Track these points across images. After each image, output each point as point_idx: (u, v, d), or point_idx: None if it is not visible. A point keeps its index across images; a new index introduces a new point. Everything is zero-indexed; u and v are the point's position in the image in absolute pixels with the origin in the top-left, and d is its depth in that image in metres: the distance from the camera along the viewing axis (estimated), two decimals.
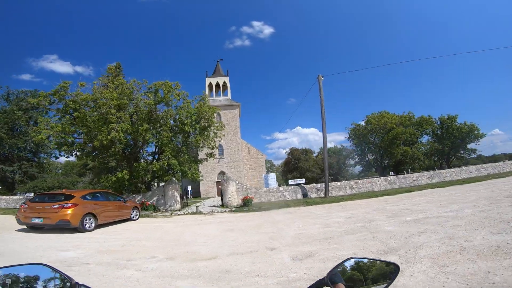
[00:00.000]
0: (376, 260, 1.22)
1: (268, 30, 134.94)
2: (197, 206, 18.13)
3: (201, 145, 20.56)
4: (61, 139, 17.16)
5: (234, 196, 20.02)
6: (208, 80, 49.86)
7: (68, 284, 1.06)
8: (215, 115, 23.23)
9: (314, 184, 22.34)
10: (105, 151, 19.29)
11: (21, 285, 1.06)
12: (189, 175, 18.89)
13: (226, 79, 50.96)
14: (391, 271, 1.13)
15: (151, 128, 19.13)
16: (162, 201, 20.35)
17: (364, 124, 47.35)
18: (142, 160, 22.18)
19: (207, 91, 48.21)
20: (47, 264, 1.14)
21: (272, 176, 24.10)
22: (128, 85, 18.95)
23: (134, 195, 21.14)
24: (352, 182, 23.54)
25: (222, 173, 42.64)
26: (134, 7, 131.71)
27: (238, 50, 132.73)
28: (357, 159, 48.71)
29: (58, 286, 1.08)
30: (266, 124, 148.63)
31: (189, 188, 43.75)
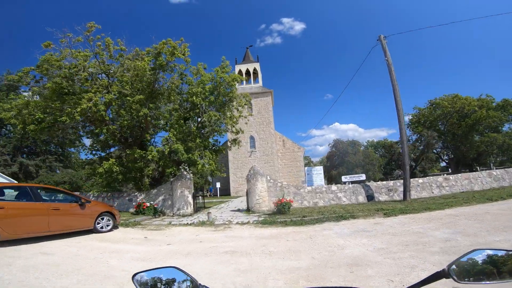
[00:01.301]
0: (509, 250, 1.03)
1: (299, 26, 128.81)
2: (208, 213, 12.31)
3: (215, 124, 14.74)
4: (26, 116, 12.58)
5: (264, 197, 13.83)
6: (237, 68, 44.28)
7: (194, 285, 1.17)
8: (238, 88, 17.20)
9: (384, 182, 15.15)
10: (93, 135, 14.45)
11: (162, 286, 1.20)
12: (200, 165, 13.17)
13: (257, 65, 45.00)
14: None
15: (148, 102, 13.75)
16: (170, 202, 15.00)
17: (428, 109, 37.74)
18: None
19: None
20: (178, 267, 1.23)
21: (318, 170, 17.40)
22: (114, 48, 13.83)
23: (136, 193, 16.14)
24: (440, 178, 15.80)
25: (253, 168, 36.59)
26: (166, 9, 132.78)
27: (270, 48, 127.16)
28: (420, 152, 39.17)
29: (188, 287, 1.19)
30: (301, 121, 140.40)
31: (217, 185, 38.82)
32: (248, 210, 14.13)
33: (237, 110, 16.52)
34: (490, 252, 1.05)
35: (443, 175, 25.21)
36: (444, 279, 0.99)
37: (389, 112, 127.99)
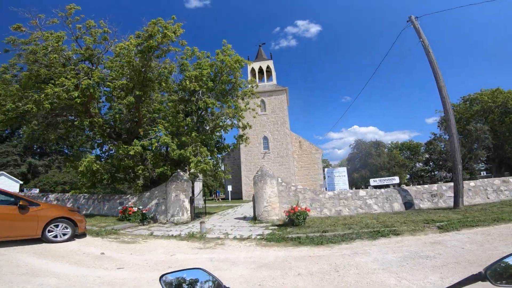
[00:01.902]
0: None
1: (314, 28, 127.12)
2: (201, 223, 9.91)
3: (217, 118, 12.38)
4: None
5: (273, 204, 11.23)
6: (249, 66, 41.91)
7: (218, 287, 1.21)
8: (243, 76, 14.76)
9: (426, 186, 12.03)
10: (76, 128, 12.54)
11: (186, 286, 1.25)
12: (193, 163, 10.79)
13: (270, 63, 42.50)
14: None
15: (136, 89, 11.60)
16: (163, 208, 12.78)
17: (464, 105, 33.40)
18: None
19: (249, 78, 40.57)
20: (203, 268, 1.27)
21: (341, 172, 14.44)
22: (98, 32, 11.84)
23: (128, 196, 14.10)
24: (496, 181, 12.49)
25: None
26: (182, 13, 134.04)
27: (285, 51, 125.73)
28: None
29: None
30: (318, 124, 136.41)
31: (229, 188, 36.51)
32: (254, 219, 11.58)
33: (242, 99, 14.06)
34: None
35: (492, 177, 21.39)
36: (480, 282, 0.96)
37: (410, 114, 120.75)
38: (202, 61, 12.81)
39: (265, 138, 37.26)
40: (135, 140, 11.51)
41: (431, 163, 33.04)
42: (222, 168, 16.70)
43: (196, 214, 13.97)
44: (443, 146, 31.68)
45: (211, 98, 12.40)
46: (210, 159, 12.62)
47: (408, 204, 11.41)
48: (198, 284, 1.23)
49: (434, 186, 11.86)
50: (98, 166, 11.59)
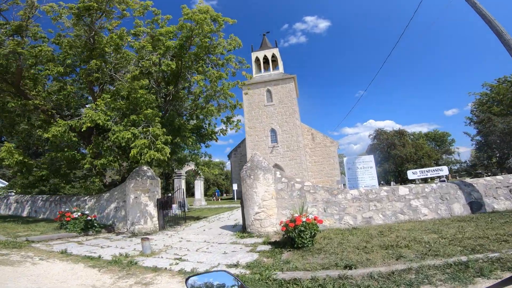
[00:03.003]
0: None
1: (323, 23, 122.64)
2: (143, 240, 6.57)
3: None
4: None
5: (269, 209, 7.65)
6: (254, 55, 38.19)
7: None
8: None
9: (500, 178, 7.99)
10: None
11: None
12: (135, 149, 7.39)
13: (276, 51, 38.40)
14: None
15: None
16: (123, 213, 9.56)
17: (507, 85, 28.00)
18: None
19: (254, 68, 36.99)
20: (227, 271, 1.26)
21: (367, 162, 10.51)
22: None
23: (86, 198, 11.06)
24: None
25: (276, 166, 30.48)
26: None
27: (295, 48, 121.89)
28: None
29: None
30: (331, 119, 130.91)
31: (234, 187, 33.14)
32: (243, 230, 8.05)
33: (218, 64, 10.55)
34: None
35: None
36: None
37: (429, 106, 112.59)
38: (161, 23, 9.48)
39: (273, 131, 33.55)
40: (58, 119, 8.24)
41: (487, 149, 26.63)
42: (212, 160, 13.10)
43: (175, 221, 10.61)
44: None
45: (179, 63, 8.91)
46: (175, 146, 9.14)
47: (476, 205, 7.46)
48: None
49: (511, 178, 7.82)
50: (18, 157, 8.45)
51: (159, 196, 9.39)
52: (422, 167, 30.20)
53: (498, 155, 24.88)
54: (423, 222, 6.97)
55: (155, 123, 8.16)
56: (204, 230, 9.10)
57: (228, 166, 56.09)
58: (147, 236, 6.53)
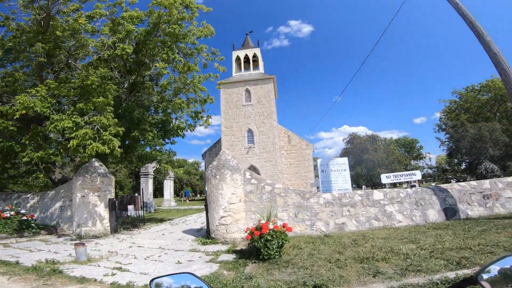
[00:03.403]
0: None
1: (307, 28, 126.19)
2: (77, 246, 5.51)
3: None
4: None
5: (236, 213, 6.87)
6: (235, 54, 37.09)
7: None
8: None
9: (474, 183, 7.83)
10: None
11: None
12: (75, 140, 6.29)
13: (257, 51, 37.62)
14: None
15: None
16: (69, 213, 8.27)
17: (474, 94, 29.41)
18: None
19: (234, 68, 35.94)
20: (193, 273, 1.18)
21: (341, 165, 10.07)
22: None
23: (28, 195, 9.59)
24: None
25: (252, 167, 29.87)
26: None
27: (277, 51, 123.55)
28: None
29: None
30: (308, 123, 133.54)
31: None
32: (207, 236, 7.20)
33: (187, 54, 9.69)
34: None
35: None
36: (472, 286, 0.98)
37: (399, 114, 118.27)
38: (125, 8, 8.46)
39: (250, 131, 32.84)
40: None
41: (458, 155, 27.11)
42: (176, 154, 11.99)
43: (133, 223, 9.47)
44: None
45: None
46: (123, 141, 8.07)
47: (450, 211, 7.22)
48: None
49: (486, 183, 7.70)
50: None
51: (112, 195, 8.26)
52: (393, 171, 31.03)
53: (468, 160, 25.83)
54: (398, 230, 6.56)
55: (107, 113, 7.06)
56: (163, 235, 8.12)
57: (203, 166, 54.55)
58: (83, 242, 5.46)
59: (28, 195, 9.64)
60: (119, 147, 8.49)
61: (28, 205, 9.24)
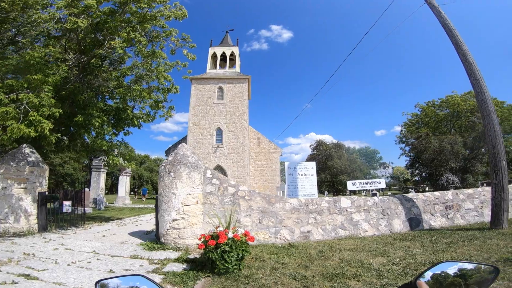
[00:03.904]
0: (473, 263, 1.11)
1: (287, 34, 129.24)
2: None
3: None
4: None
5: (192, 217, 6.00)
6: (211, 50, 35.69)
7: None
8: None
9: (437, 194, 7.84)
10: None
11: None
12: (9, 129, 5.01)
13: (235, 49, 36.66)
14: (490, 273, 1.06)
15: None
16: None
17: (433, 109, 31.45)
18: None
19: (209, 64, 34.59)
20: (145, 275, 1.12)
21: (309, 169, 9.72)
22: None
23: None
24: None
25: (218, 168, 28.95)
26: None
27: (256, 54, 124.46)
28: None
29: None
30: (277, 128, 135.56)
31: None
32: (156, 240, 6.23)
33: (152, 37, 8.71)
34: (458, 265, 1.07)
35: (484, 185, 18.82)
36: None
37: (361, 126, 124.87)
38: None
39: (219, 130, 31.78)
40: None
41: (417, 165, 28.65)
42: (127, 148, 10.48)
43: (71, 221, 8.06)
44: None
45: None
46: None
47: (415, 221, 7.11)
48: None
49: (448, 194, 7.77)
50: None
51: (43, 188, 6.89)
52: (354, 179, 32.09)
53: (428, 171, 27.34)
54: (364, 240, 6.23)
55: (43, 92, 5.79)
56: (103, 236, 6.95)
57: None
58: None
59: None
60: (59, 133, 7.18)
61: None
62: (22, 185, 6.46)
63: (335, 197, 7.14)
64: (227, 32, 42.30)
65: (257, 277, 3.80)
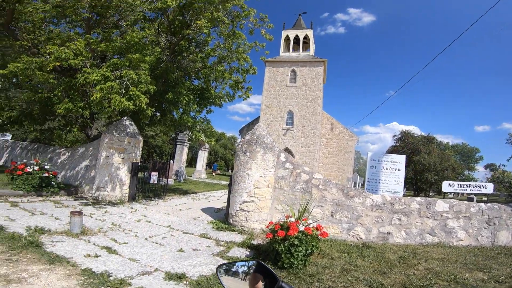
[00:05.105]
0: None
1: (368, 18, 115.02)
2: (73, 214, 5.18)
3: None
4: None
5: (261, 200, 6.02)
6: (284, 33, 34.64)
7: (276, 282, 1.07)
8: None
9: None
10: None
11: (245, 280, 1.14)
12: (99, 87, 5.81)
13: (309, 32, 34.62)
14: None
15: None
16: (92, 173, 8.32)
17: None
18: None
19: (282, 47, 33.86)
20: (260, 261, 1.15)
21: (397, 162, 8.57)
22: None
23: (61, 150, 9.89)
24: None
25: (287, 150, 28.80)
26: None
27: (330, 38, 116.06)
28: None
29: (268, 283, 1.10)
30: (355, 116, 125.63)
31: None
32: (225, 220, 6.56)
33: (233, 16, 8.70)
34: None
35: None
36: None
37: (456, 119, 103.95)
38: None
39: (290, 113, 31.46)
40: (23, 56, 6.76)
41: None
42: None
43: (155, 192, 9.27)
44: None
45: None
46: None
47: None
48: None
49: None
50: None
51: (137, 159, 7.97)
52: (444, 179, 27.47)
53: None
54: (457, 249, 5.19)
55: (142, 70, 6.54)
56: (180, 210, 7.67)
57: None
58: (79, 210, 4.97)
59: (62, 150, 9.89)
60: (153, 108, 8.07)
61: (59, 160, 9.46)
62: (121, 155, 7.57)
63: (429, 198, 6.10)
64: (299, 15, 40.11)
65: (323, 277, 3.51)
